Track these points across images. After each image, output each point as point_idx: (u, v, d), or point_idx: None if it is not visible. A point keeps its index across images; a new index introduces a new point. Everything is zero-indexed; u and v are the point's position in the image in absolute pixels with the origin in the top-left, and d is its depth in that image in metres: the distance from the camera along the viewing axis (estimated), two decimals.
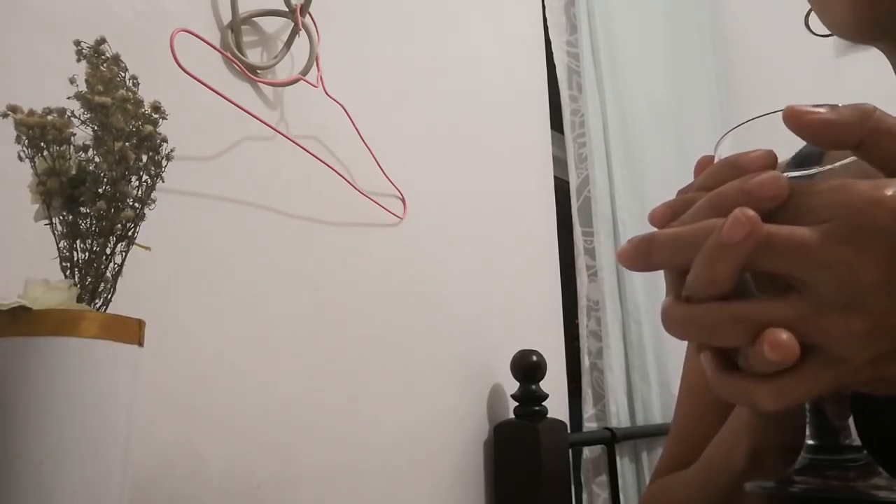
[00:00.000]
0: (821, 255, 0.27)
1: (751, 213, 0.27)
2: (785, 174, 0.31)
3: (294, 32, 0.87)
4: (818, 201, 0.28)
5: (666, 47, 1.72)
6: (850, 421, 0.32)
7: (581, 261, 1.36)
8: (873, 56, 0.52)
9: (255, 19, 0.85)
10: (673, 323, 0.30)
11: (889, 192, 0.27)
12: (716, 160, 0.34)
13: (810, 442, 0.33)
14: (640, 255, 0.31)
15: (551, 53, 1.41)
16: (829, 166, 0.31)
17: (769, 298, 0.28)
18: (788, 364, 0.27)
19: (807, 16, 0.52)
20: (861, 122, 0.29)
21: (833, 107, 0.30)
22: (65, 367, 0.40)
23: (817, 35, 0.52)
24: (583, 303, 1.35)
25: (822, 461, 0.32)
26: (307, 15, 0.87)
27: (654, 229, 0.32)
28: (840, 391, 0.32)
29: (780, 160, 0.31)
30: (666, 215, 0.32)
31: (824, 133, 0.29)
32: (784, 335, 0.27)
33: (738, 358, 0.30)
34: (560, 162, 1.45)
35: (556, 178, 1.41)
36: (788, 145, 0.31)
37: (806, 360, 0.27)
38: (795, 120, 0.29)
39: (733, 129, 0.34)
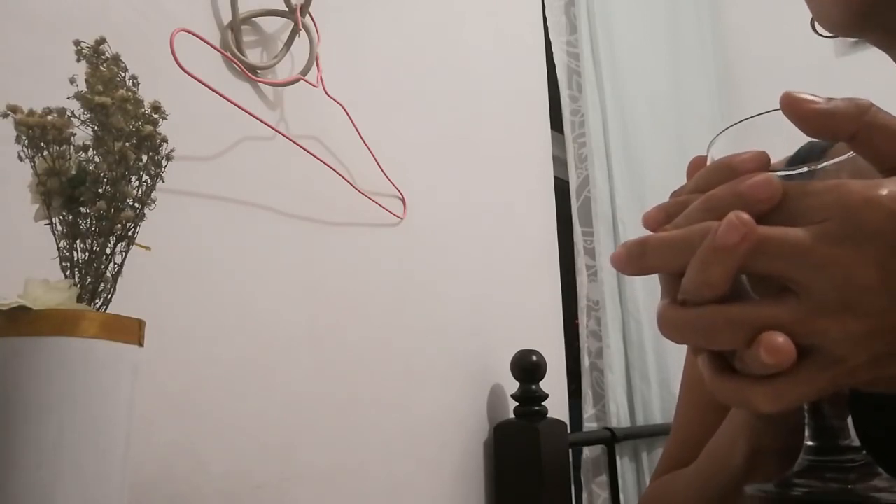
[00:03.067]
0: (816, 256, 0.26)
1: (745, 216, 0.27)
2: (779, 172, 0.30)
3: (294, 32, 0.87)
4: (813, 202, 0.27)
5: (666, 47, 1.72)
6: (849, 421, 0.32)
7: (581, 261, 1.36)
8: (873, 57, 0.52)
9: (255, 19, 0.85)
10: (668, 326, 0.30)
11: (884, 192, 0.26)
12: (708, 161, 0.34)
13: (809, 443, 0.33)
14: (633, 259, 0.31)
15: (551, 53, 1.41)
16: (822, 163, 0.31)
17: (765, 301, 0.28)
18: (785, 367, 0.27)
19: (812, 18, 0.52)
20: (856, 115, 0.29)
21: (831, 98, 0.29)
22: (65, 367, 0.40)
23: (823, 36, 0.52)
24: (583, 303, 1.35)
25: (821, 463, 0.32)
26: (307, 15, 0.87)
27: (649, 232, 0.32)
28: (838, 391, 0.31)
29: (777, 159, 0.31)
30: (659, 218, 0.32)
31: (819, 122, 0.29)
32: (780, 338, 0.26)
33: (734, 361, 0.29)
34: (560, 162, 1.45)
35: (556, 178, 1.41)
36: (782, 144, 0.31)
37: (803, 361, 0.27)
38: (792, 107, 0.29)
39: (725, 130, 0.34)
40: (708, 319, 0.29)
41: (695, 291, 0.29)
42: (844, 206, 0.27)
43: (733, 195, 0.29)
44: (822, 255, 0.26)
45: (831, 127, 0.29)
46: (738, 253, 0.27)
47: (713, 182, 0.30)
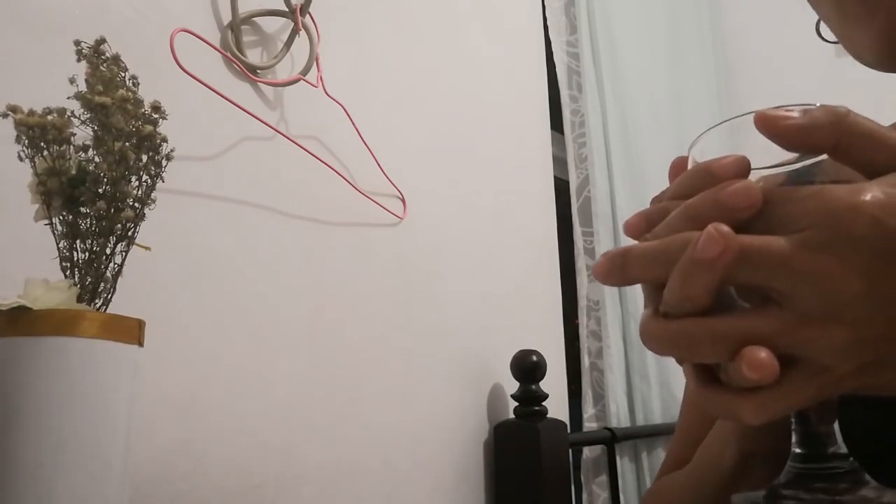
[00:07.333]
0: (798, 265, 0.26)
1: (725, 228, 0.26)
2: (761, 173, 0.30)
3: (294, 32, 0.87)
4: (794, 209, 0.27)
5: (666, 47, 1.73)
6: (836, 427, 0.32)
7: (581, 261, 1.36)
8: None
9: (255, 19, 0.85)
10: (650, 339, 0.30)
11: (867, 197, 0.26)
12: (689, 162, 0.33)
13: (797, 450, 0.33)
14: (615, 270, 0.30)
15: (551, 53, 1.41)
16: (804, 162, 0.30)
17: (748, 312, 0.27)
18: (768, 381, 0.26)
19: (818, 23, 0.52)
20: (834, 126, 0.28)
21: (807, 109, 0.29)
22: (65, 367, 0.40)
23: (829, 42, 0.51)
24: (583, 303, 1.35)
25: (809, 471, 0.32)
26: (307, 15, 0.87)
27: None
28: (825, 400, 0.31)
29: (757, 161, 0.31)
30: (640, 226, 0.32)
31: (797, 138, 0.28)
32: (762, 353, 0.26)
33: (720, 372, 0.29)
34: (560, 162, 1.45)
35: (556, 178, 1.42)
36: (766, 146, 0.30)
37: (788, 372, 0.27)
38: (767, 125, 0.28)
39: (707, 131, 0.33)
40: (689, 333, 0.28)
41: (676, 304, 0.28)
42: (827, 212, 0.26)
43: (713, 203, 0.28)
44: (804, 264, 0.26)
45: (810, 141, 0.28)
46: (718, 266, 0.26)
47: (693, 188, 0.29)
